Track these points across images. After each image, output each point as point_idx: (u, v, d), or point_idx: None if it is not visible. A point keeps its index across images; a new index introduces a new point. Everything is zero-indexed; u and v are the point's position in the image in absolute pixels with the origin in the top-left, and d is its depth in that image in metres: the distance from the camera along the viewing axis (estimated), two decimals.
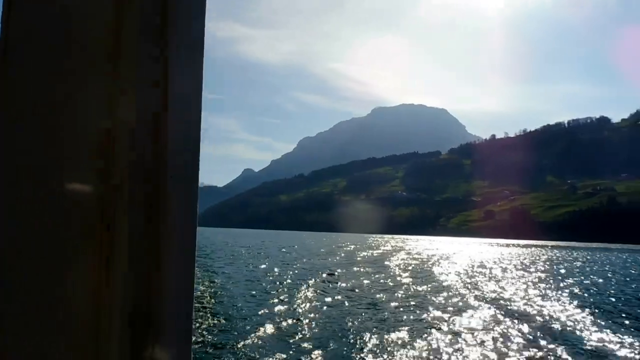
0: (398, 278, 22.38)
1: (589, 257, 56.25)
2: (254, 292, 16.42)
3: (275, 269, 24.70)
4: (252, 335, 10.30)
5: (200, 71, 0.89)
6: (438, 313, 13.29)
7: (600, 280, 26.36)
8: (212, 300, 14.55)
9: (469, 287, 19.99)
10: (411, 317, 12.62)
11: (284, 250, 48.61)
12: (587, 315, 13.95)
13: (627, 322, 13.55)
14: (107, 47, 0.83)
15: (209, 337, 10.14)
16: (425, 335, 10.66)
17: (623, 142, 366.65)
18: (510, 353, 9.62)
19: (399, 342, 9.91)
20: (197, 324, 10.73)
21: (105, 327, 0.73)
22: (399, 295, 16.72)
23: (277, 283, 19.06)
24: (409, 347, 9.53)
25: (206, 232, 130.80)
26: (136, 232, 0.79)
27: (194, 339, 8.98)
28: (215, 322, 11.59)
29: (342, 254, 44.01)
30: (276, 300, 14.67)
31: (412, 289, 18.41)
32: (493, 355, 9.40)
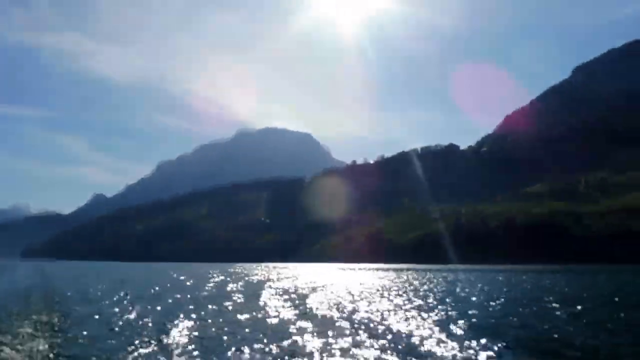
0: (262, 310, 22.03)
1: (436, 278, 58.13)
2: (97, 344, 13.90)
3: (127, 313, 20.74)
4: None
5: None
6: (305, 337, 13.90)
7: (449, 298, 28.03)
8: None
9: (330, 309, 20.90)
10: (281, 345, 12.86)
11: (139, 285, 42.71)
12: (442, 330, 15.12)
13: (464, 331, 15.07)
14: None
15: None
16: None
17: (468, 168, 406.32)
18: None
19: None
20: None
21: None
22: (265, 330, 16.37)
23: (128, 331, 16.36)
24: None
25: (46, 266, 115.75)
26: None
27: None
28: None
29: (207, 287, 40.20)
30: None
31: (278, 319, 18.44)
32: None
